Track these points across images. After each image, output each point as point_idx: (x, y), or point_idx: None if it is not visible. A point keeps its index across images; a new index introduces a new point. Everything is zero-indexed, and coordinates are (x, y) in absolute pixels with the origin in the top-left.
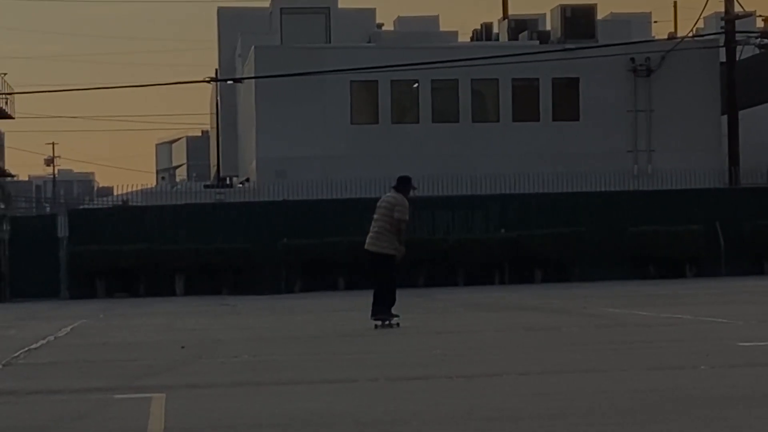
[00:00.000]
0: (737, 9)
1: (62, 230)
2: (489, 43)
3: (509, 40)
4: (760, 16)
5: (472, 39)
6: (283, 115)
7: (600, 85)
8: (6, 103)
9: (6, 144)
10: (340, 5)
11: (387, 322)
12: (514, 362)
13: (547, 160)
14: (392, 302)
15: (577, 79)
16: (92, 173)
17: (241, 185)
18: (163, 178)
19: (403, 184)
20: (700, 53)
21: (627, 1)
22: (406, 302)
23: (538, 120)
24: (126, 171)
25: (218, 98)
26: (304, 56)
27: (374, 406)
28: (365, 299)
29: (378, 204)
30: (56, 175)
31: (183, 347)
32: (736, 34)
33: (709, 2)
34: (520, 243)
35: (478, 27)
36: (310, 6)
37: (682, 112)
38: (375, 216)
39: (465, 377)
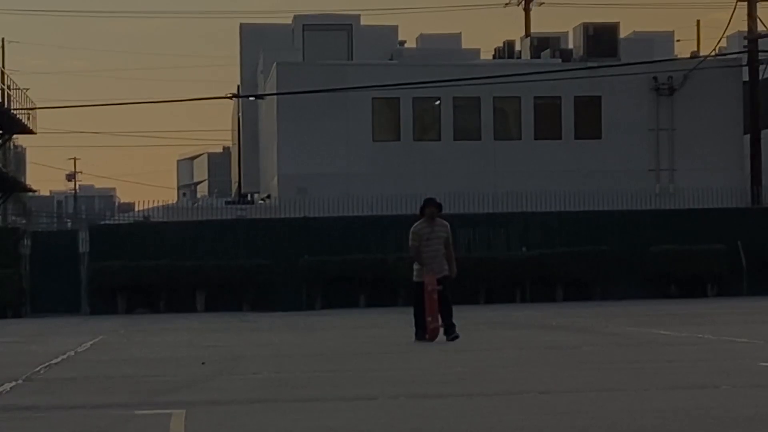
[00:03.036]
0: (760, 28)
1: (83, 246)
2: (511, 60)
3: (531, 58)
4: None
5: (494, 57)
6: (304, 131)
7: (622, 104)
8: (28, 118)
9: (28, 159)
10: (362, 22)
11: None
12: (535, 381)
13: (569, 178)
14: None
15: (599, 98)
16: (113, 189)
17: (262, 201)
18: (184, 194)
19: (422, 206)
20: (722, 72)
21: (650, 20)
22: None
23: (560, 138)
24: (147, 187)
25: (240, 114)
26: (326, 73)
27: (395, 423)
28: (386, 317)
29: None
30: (77, 191)
31: (203, 363)
32: (760, 54)
33: (732, 21)
34: (541, 261)
35: (501, 45)
36: (333, 23)
37: (705, 131)
38: None
39: (486, 395)
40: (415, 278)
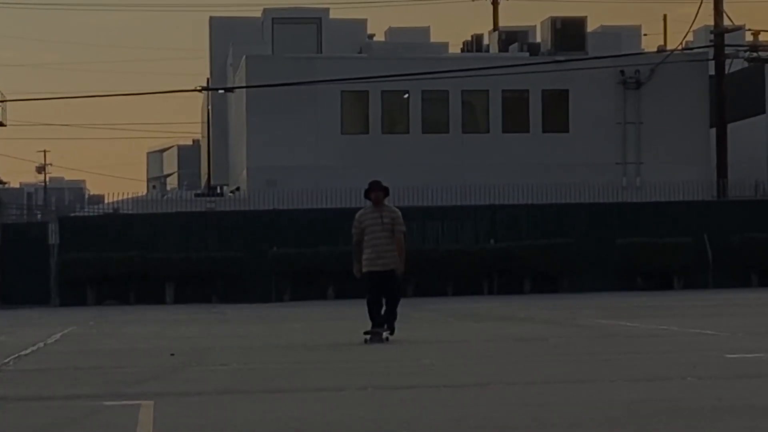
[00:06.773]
0: (726, 22)
1: (53, 238)
2: (479, 54)
3: (499, 51)
4: (749, 29)
5: (462, 50)
6: (273, 124)
7: (589, 97)
8: None
9: None
10: (331, 16)
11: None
12: (502, 372)
13: (537, 171)
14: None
15: (566, 91)
16: (83, 181)
17: (231, 194)
18: (153, 186)
19: (366, 190)
20: (689, 66)
21: (617, 14)
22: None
23: (528, 131)
24: (117, 179)
25: (209, 107)
26: (295, 66)
27: (363, 414)
28: (354, 309)
29: None
30: (47, 183)
31: (172, 355)
32: (726, 48)
33: (698, 16)
34: (509, 254)
35: (469, 38)
36: (302, 16)
37: (671, 124)
38: None
39: (454, 387)
40: (363, 268)
